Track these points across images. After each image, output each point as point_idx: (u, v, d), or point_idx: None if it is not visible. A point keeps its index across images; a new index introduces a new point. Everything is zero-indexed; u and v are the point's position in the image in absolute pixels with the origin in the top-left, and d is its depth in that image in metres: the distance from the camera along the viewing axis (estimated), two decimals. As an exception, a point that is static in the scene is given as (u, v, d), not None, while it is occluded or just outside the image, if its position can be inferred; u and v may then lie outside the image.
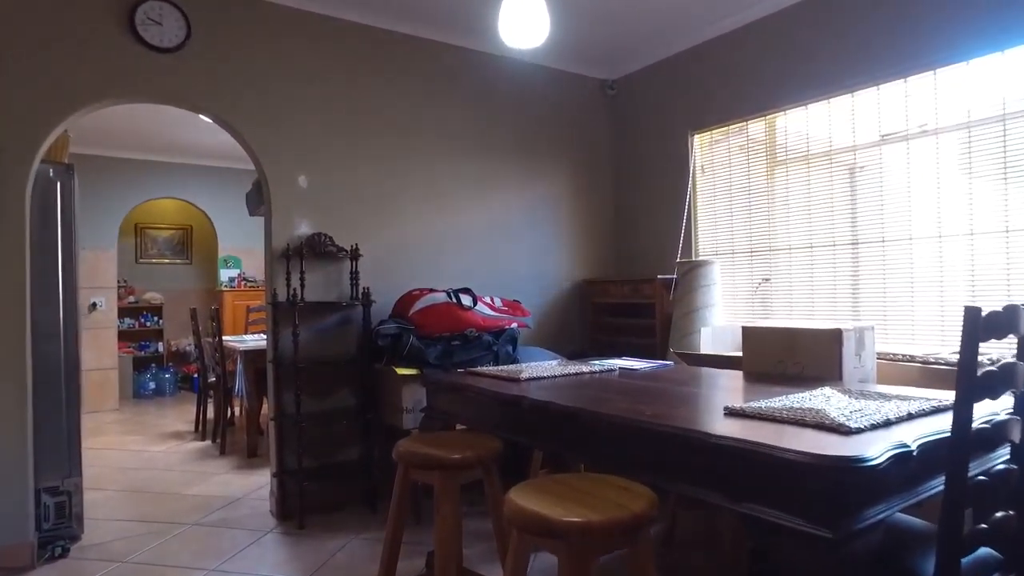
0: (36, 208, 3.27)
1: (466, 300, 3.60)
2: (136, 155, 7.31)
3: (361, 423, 3.67)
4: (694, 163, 4.50)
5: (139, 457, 5.03)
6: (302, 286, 3.48)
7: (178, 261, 8.90)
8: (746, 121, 4.21)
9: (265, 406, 5.74)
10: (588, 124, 4.89)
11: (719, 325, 3.97)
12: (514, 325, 3.75)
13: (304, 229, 3.64)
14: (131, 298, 8.34)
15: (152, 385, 8.05)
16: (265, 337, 5.58)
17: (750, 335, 2.74)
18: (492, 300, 3.80)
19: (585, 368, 2.76)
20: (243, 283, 7.79)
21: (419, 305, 3.48)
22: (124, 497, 4.04)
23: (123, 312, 8.09)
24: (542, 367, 2.82)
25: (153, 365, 8.25)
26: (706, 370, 2.83)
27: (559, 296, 4.67)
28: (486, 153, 4.35)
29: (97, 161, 7.13)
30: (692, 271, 4.03)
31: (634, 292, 4.32)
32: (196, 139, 6.75)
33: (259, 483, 4.24)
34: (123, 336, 8.03)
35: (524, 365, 2.88)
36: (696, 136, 4.52)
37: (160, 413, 6.99)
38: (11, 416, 3.00)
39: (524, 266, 4.49)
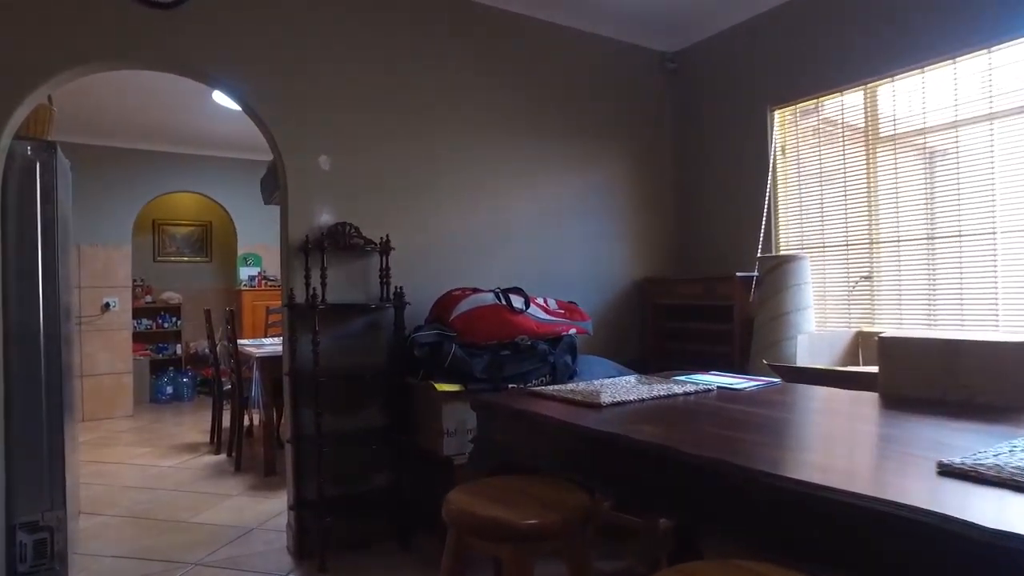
0: (12, 192, 2.77)
1: (517, 302, 3.04)
2: (149, 146, 6.86)
3: (392, 446, 3.12)
4: (774, 143, 3.88)
5: (146, 474, 4.54)
6: (323, 285, 2.94)
7: (197, 259, 8.46)
8: (840, 92, 3.58)
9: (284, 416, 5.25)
10: (646, 102, 4.29)
11: (813, 331, 3.35)
12: (572, 331, 3.18)
13: (326, 218, 3.10)
14: (148, 298, 7.91)
15: (169, 389, 7.61)
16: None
17: (892, 347, 2.13)
18: (546, 302, 3.22)
19: (677, 388, 2.17)
20: (263, 282, 7.31)
21: (462, 308, 2.92)
22: (122, 525, 3.54)
23: (140, 313, 7.66)
24: (621, 386, 2.24)
25: (171, 368, 7.81)
26: (825, 391, 2.23)
27: (616, 297, 4.08)
28: (534, 134, 3.78)
29: (108, 152, 6.69)
30: (778, 268, 3.41)
31: (708, 292, 3.72)
32: (212, 128, 6.28)
33: (276, 509, 3.71)
34: (140, 338, 7.61)
35: (599, 384, 2.30)
36: (776, 112, 3.90)
37: (176, 420, 6.53)
38: (-23, 440, 2.50)
39: (576, 262, 3.91)
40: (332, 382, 2.90)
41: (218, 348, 5.27)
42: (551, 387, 2.26)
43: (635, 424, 1.67)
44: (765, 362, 3.11)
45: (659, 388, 2.17)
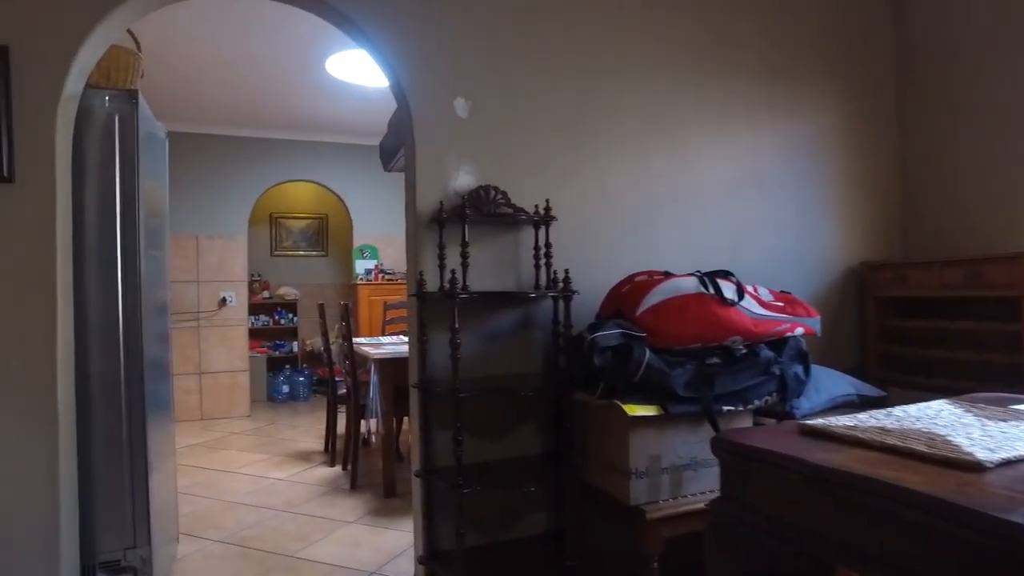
0: (91, 155, 2.21)
1: (728, 290, 2.18)
2: (261, 133, 6.47)
3: (550, 482, 2.35)
4: (1063, 74, 2.79)
5: (256, 487, 4.03)
6: (465, 266, 2.20)
7: (313, 253, 8.11)
8: None
9: (405, 424, 4.65)
10: (870, 31, 3.28)
11: None
12: (799, 331, 2.28)
13: (465, 180, 2.37)
14: (265, 293, 7.62)
15: (286, 389, 7.26)
16: (406, 341, 4.44)
17: None
18: (755, 290, 2.35)
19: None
20: (380, 275, 6.78)
21: (653, 299, 2.10)
22: (223, 556, 2.97)
23: (257, 309, 7.36)
24: (953, 422, 1.34)
25: (287, 366, 7.48)
26: None
27: (824, 288, 3.12)
28: (720, 78, 2.89)
29: (218, 142, 6.35)
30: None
31: (972, 279, 2.70)
32: (325, 110, 5.78)
33: (398, 545, 3.04)
34: (257, 335, 7.31)
35: (913, 417, 1.41)
36: (1065, 31, 2.81)
37: (291, 422, 6.11)
38: (36, 468, 1.94)
39: (773, 242, 2.99)
40: (475, 397, 2.15)
41: (333, 347, 4.73)
42: (843, 423, 1.39)
43: None
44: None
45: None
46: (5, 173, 1.94)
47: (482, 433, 2.34)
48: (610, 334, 2.00)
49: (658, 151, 2.74)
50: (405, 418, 4.58)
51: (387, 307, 5.56)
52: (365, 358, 3.99)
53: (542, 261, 2.35)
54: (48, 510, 1.95)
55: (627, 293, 2.20)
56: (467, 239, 2.19)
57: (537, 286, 2.38)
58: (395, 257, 7.01)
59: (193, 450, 5.05)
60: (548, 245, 2.30)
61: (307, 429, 5.78)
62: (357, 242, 6.92)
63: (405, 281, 6.94)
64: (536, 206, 2.36)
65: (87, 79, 2.17)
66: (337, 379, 4.65)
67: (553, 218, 2.28)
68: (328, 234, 8.13)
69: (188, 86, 5.09)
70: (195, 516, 3.51)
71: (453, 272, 2.08)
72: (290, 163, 6.65)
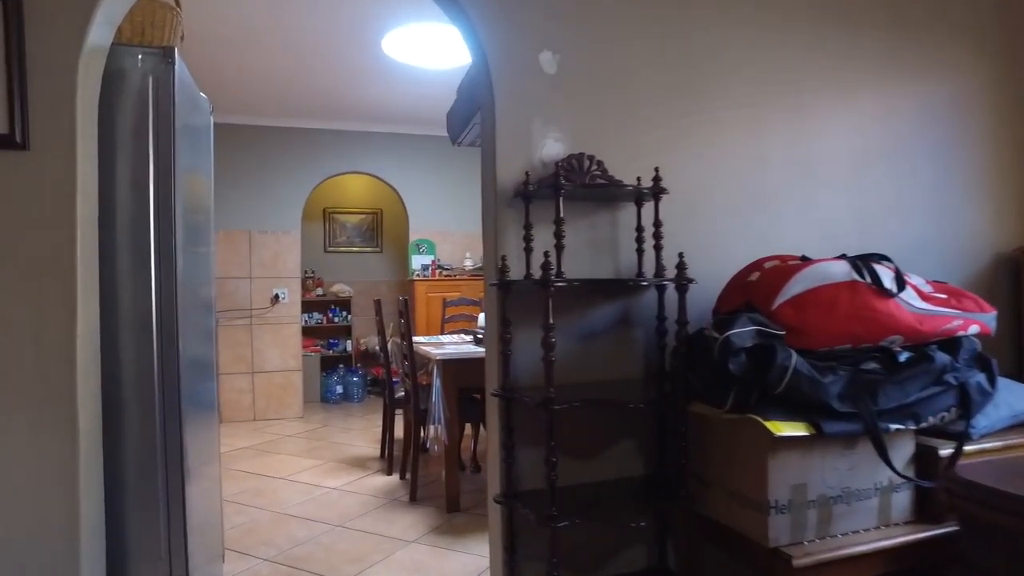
0: (115, 120, 1.91)
1: (887, 278, 1.74)
2: (315, 123, 6.22)
3: (659, 512, 1.95)
4: None
5: (308, 497, 3.73)
6: (559, 248, 1.81)
7: (367, 249, 7.86)
8: None
9: (467, 430, 4.29)
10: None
11: None
12: (973, 329, 1.82)
13: (553, 148, 1.98)
14: (319, 290, 7.39)
15: (339, 389, 7.01)
16: (469, 340, 4.07)
17: None
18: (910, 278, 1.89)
19: None
20: (437, 271, 6.45)
21: (794, 288, 1.67)
22: (273, 580, 2.67)
23: (310, 306, 7.14)
24: None
25: (341, 366, 7.23)
26: None
27: (970, 278, 2.62)
28: (849, 31, 2.44)
29: (270, 133, 6.12)
30: None
31: None
32: (379, 96, 5.48)
33: (466, 573, 2.68)
34: (309, 333, 7.09)
35: None
36: None
37: (345, 425, 5.83)
38: (52, 481, 1.64)
39: (910, 223, 2.51)
40: (569, 409, 1.76)
41: (389, 345, 4.41)
42: None
43: None
44: None
45: None
46: (19, 139, 1.64)
47: (573, 450, 1.96)
48: (744, 332, 1.59)
49: (776, 117, 2.31)
50: (470, 425, 4.23)
51: (446, 304, 5.22)
52: (426, 359, 3.65)
53: (647, 243, 1.94)
54: (66, 535, 1.65)
55: (758, 282, 1.78)
56: (562, 214, 1.79)
57: (639, 273, 1.98)
58: (452, 252, 6.69)
59: (244, 454, 4.81)
60: (658, 224, 1.89)
61: (361, 432, 5.50)
62: (413, 237, 6.61)
63: (464, 277, 6.69)
64: (639, 178, 1.95)
65: (116, 35, 1.87)
66: (394, 380, 4.33)
67: (663, 190, 1.87)
68: (382, 229, 7.86)
69: (236, 73, 4.85)
70: (243, 529, 3.22)
71: (547, 255, 1.69)
72: (343, 155, 6.39)
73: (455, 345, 4.01)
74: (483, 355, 3.54)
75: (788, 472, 1.59)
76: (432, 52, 4.38)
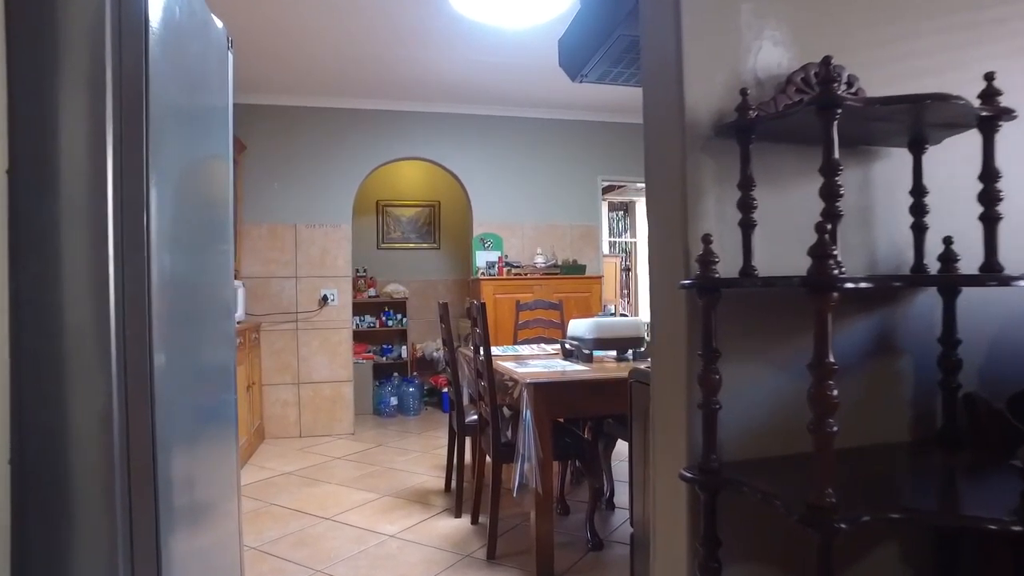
0: (57, 19, 1.20)
1: None
2: (367, 104, 5.53)
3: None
4: None
5: (360, 548, 3.00)
6: (834, 218, 0.99)
7: (424, 245, 7.15)
8: None
9: (557, 468, 3.50)
10: None
11: None
12: None
13: (772, 55, 1.19)
14: (371, 291, 6.71)
15: (394, 400, 6.30)
16: (554, 352, 3.25)
17: None
18: None
19: None
20: (506, 269, 5.67)
21: None
22: None
23: (360, 308, 6.46)
24: None
25: (395, 374, 6.53)
26: None
27: None
28: None
29: (317, 114, 5.45)
30: None
31: None
32: (444, 68, 4.74)
33: None
34: (360, 338, 6.41)
35: None
36: None
37: (401, 444, 5.11)
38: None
39: None
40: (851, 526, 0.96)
41: (440, 353, 3.66)
42: None
43: None
44: None
45: None
46: None
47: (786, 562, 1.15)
48: None
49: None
50: (562, 467, 3.45)
51: (519, 307, 4.46)
52: (510, 377, 2.88)
53: (935, 213, 1.12)
54: None
55: None
56: (836, 155, 0.97)
57: (918, 266, 1.16)
58: (521, 248, 5.91)
59: (288, 481, 4.13)
60: (991, 175, 1.06)
61: (421, 454, 4.77)
62: (477, 230, 5.86)
63: (537, 276, 5.83)
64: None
65: None
66: (442, 391, 3.57)
67: (1007, 112, 1.04)
68: (440, 223, 7.15)
69: (280, 47, 4.18)
70: (281, 598, 2.51)
71: (824, 229, 0.88)
72: (399, 139, 5.68)
73: (540, 360, 3.24)
74: (588, 376, 2.79)
75: None
76: (510, 5, 3.62)
